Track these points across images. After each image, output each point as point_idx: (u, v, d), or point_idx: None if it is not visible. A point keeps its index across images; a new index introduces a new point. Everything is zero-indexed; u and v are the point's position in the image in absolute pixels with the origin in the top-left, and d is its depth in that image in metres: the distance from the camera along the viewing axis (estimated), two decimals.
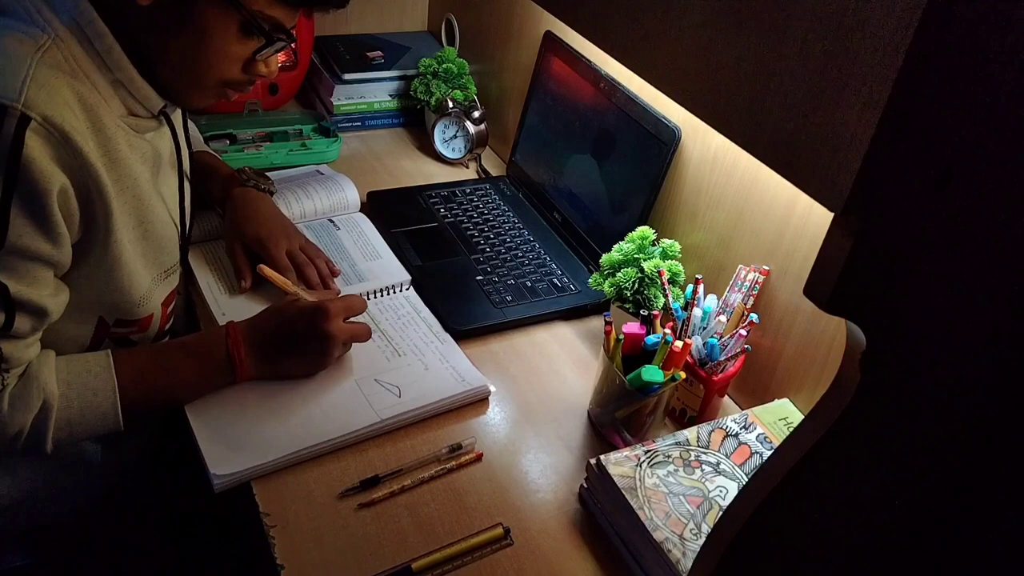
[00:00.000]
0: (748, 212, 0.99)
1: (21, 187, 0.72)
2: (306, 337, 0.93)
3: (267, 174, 1.20)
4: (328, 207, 1.26)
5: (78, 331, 0.88)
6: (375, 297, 1.11)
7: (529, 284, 1.17)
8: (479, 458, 0.91)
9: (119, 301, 0.87)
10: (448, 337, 1.05)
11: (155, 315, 0.94)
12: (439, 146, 1.48)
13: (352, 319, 0.98)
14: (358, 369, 0.99)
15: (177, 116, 0.97)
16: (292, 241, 1.10)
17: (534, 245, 1.26)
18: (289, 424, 0.90)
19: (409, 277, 1.14)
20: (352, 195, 1.28)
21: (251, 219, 1.09)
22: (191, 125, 1.17)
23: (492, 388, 0.99)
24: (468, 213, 1.32)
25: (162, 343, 0.97)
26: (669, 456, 0.86)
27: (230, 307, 1.05)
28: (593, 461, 0.85)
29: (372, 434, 0.91)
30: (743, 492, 0.61)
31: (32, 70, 0.72)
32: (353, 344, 0.99)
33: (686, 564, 0.75)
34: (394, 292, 1.13)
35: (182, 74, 0.83)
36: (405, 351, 1.02)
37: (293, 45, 0.88)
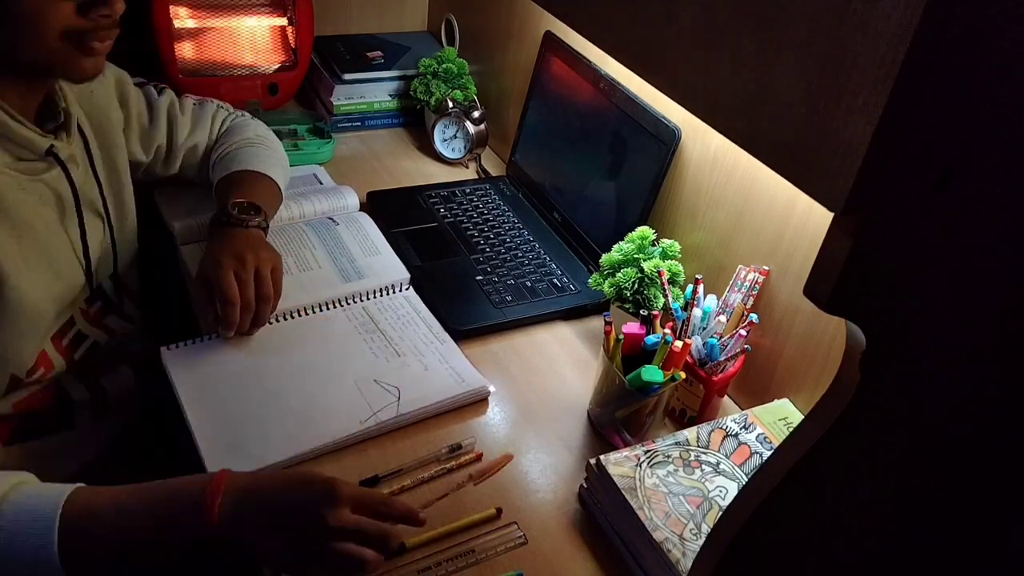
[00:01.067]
0: (748, 212, 0.99)
1: None
2: (300, 520, 0.72)
3: (256, 216, 1.04)
4: (327, 209, 1.26)
5: None
6: (374, 297, 1.11)
7: (529, 284, 1.17)
8: (479, 458, 0.91)
9: (23, 344, 0.88)
10: (448, 337, 1.05)
11: (48, 351, 0.93)
12: (439, 146, 1.48)
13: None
14: (357, 370, 0.99)
15: (75, 157, 0.93)
16: (246, 262, 0.98)
17: (534, 245, 1.26)
18: (288, 426, 0.90)
19: (408, 275, 1.14)
20: (352, 202, 1.29)
21: (241, 261, 0.98)
22: (240, 141, 1.15)
23: (492, 388, 0.99)
24: (468, 213, 1.32)
25: (138, 484, 0.75)
26: (669, 456, 0.86)
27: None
28: (593, 461, 0.85)
29: (372, 435, 0.91)
30: (743, 492, 0.61)
31: None
32: (347, 348, 0.97)
33: (686, 564, 0.75)
34: (394, 292, 1.13)
35: (24, 43, 0.80)
36: (404, 352, 1.02)
37: None
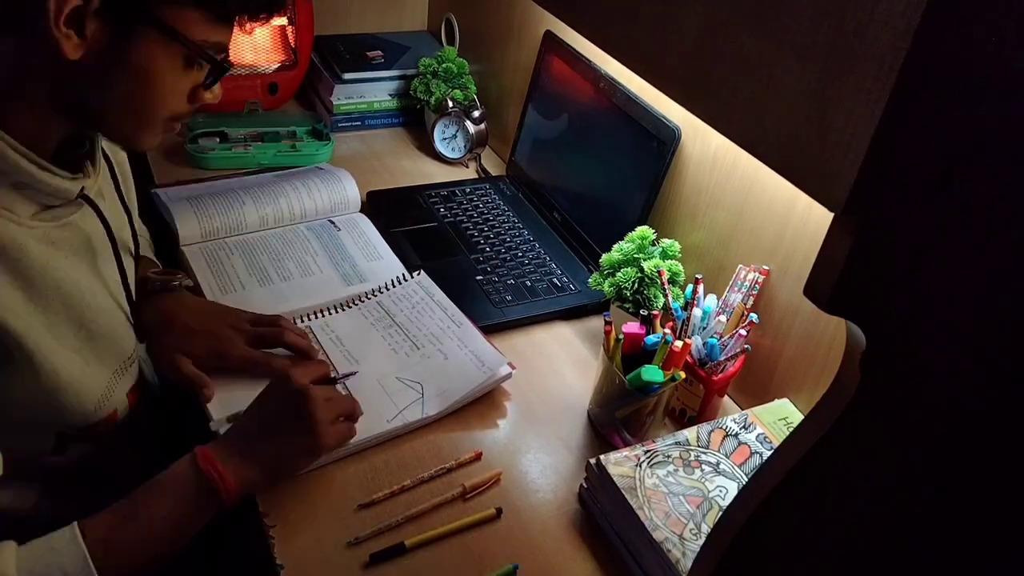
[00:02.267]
0: (748, 212, 0.99)
1: None
2: (279, 409, 0.82)
3: (178, 273, 1.00)
4: (328, 204, 1.26)
5: (34, 446, 0.80)
6: (388, 290, 1.11)
7: (529, 284, 1.17)
8: (478, 457, 0.91)
9: (71, 412, 0.79)
10: (464, 319, 1.06)
11: (119, 408, 0.85)
12: (439, 146, 1.48)
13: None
14: (379, 368, 0.99)
15: (101, 191, 0.86)
16: (241, 326, 0.96)
17: (534, 245, 1.26)
18: None
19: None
20: (352, 190, 1.28)
21: (187, 334, 0.94)
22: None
23: (512, 369, 0.99)
24: (468, 213, 1.32)
25: (132, 493, 0.77)
26: (669, 456, 0.86)
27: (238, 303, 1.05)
28: (593, 461, 0.84)
29: (398, 434, 0.92)
30: (743, 492, 0.61)
31: None
32: (367, 346, 0.96)
33: (686, 564, 0.75)
34: (406, 280, 1.12)
35: (129, 120, 0.77)
36: (423, 343, 1.03)
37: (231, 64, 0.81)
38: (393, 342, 1.03)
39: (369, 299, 1.09)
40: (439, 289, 1.10)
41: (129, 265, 0.90)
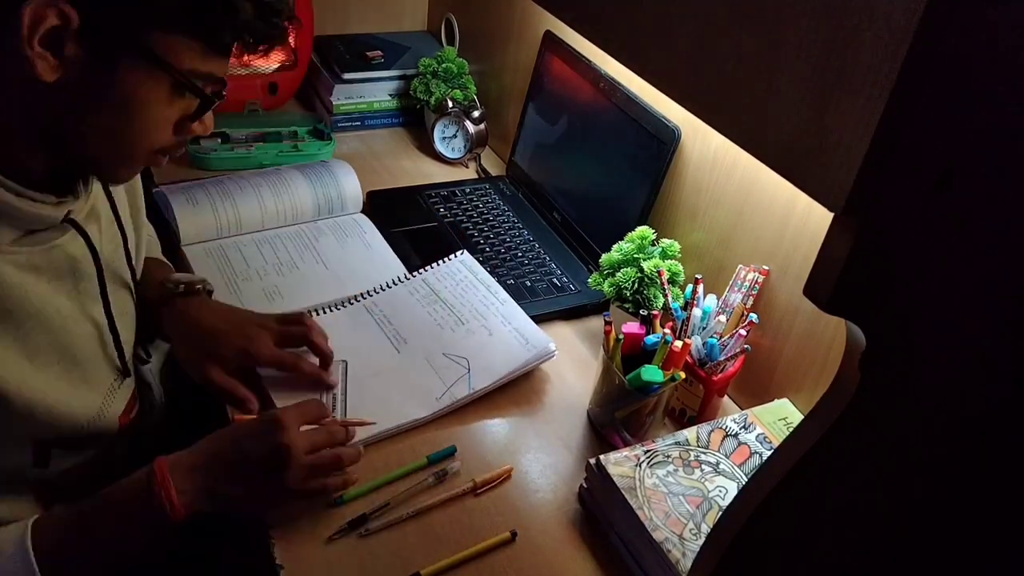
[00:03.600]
0: (748, 212, 0.99)
1: None
2: (257, 457, 0.77)
3: (200, 278, 0.98)
4: (330, 201, 1.25)
5: (10, 462, 0.76)
6: (432, 268, 1.13)
7: (529, 284, 1.17)
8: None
9: (59, 430, 0.76)
10: (507, 297, 1.08)
11: (109, 429, 0.83)
12: (439, 146, 1.48)
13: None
14: (426, 344, 1.01)
15: (96, 210, 0.82)
16: (268, 325, 0.94)
17: (534, 245, 1.26)
18: (369, 405, 0.92)
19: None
20: (353, 185, 1.28)
21: (215, 335, 0.91)
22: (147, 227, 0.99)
23: (554, 347, 1.01)
24: (468, 213, 1.32)
25: (82, 506, 0.76)
26: (669, 456, 0.86)
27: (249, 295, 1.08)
28: (593, 461, 0.84)
29: (446, 412, 0.94)
30: (743, 492, 0.61)
31: None
32: (413, 323, 0.98)
33: (686, 564, 0.75)
34: (449, 260, 1.14)
35: (108, 151, 0.72)
36: (467, 318, 1.05)
37: (225, 91, 0.75)
38: (439, 317, 1.05)
39: (416, 276, 1.12)
40: (482, 268, 1.13)
41: (119, 294, 0.85)
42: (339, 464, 0.82)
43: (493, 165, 1.49)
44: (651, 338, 0.93)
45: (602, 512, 0.84)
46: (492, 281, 1.10)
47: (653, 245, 1.04)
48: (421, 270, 1.13)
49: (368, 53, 1.57)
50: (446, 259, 1.14)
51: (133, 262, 0.88)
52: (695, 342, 0.96)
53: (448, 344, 1.01)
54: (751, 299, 0.96)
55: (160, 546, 0.78)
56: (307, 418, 0.82)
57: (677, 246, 1.04)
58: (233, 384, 0.90)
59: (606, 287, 1.04)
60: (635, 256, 1.03)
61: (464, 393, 0.95)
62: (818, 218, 0.89)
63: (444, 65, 1.49)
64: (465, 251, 1.16)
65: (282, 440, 0.77)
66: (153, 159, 0.75)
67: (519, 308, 1.06)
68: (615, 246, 1.05)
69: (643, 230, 1.04)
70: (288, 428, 0.78)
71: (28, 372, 0.73)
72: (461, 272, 1.12)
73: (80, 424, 0.78)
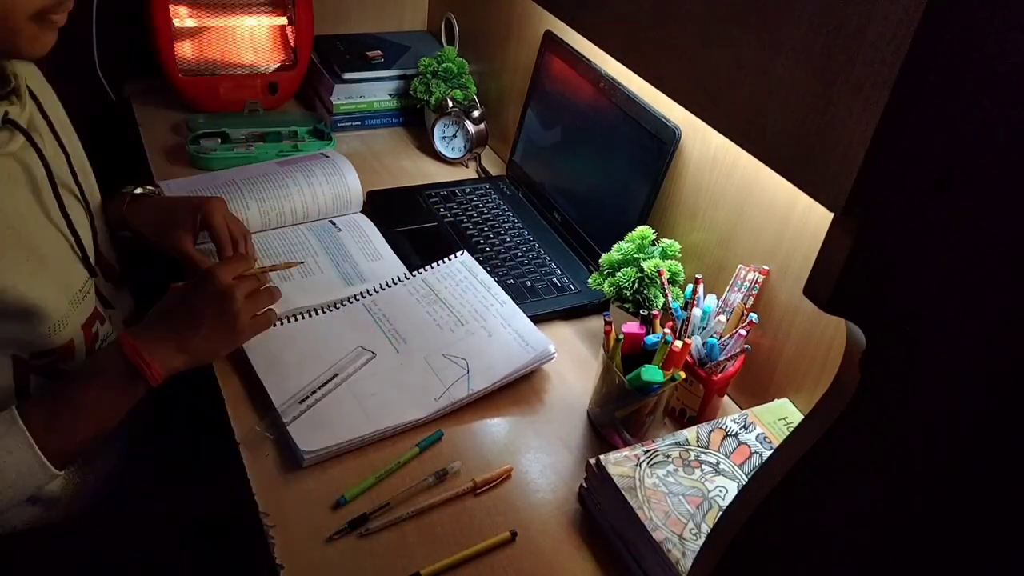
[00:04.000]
0: (748, 212, 0.99)
1: None
2: (204, 306, 0.90)
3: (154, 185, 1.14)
4: (330, 199, 1.26)
5: None
6: (432, 268, 1.13)
7: (529, 284, 1.17)
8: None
9: (27, 335, 0.83)
10: (507, 299, 1.08)
11: (75, 340, 0.89)
12: (439, 146, 1.48)
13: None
14: (425, 344, 1.01)
15: (37, 128, 0.88)
16: (219, 201, 1.06)
17: (534, 245, 1.26)
18: (368, 406, 0.92)
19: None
20: (354, 182, 1.28)
21: (174, 207, 1.05)
22: None
23: (553, 349, 1.01)
24: (468, 213, 1.32)
25: (62, 385, 0.86)
26: (669, 456, 0.86)
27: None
28: (593, 461, 0.84)
29: (445, 413, 0.94)
30: (743, 492, 0.61)
31: None
32: (413, 323, 1.01)
33: (686, 564, 0.75)
34: (448, 261, 1.14)
35: None
36: (467, 319, 1.05)
37: None
38: (438, 318, 1.05)
39: (415, 276, 1.12)
40: (481, 268, 1.13)
41: (71, 201, 0.91)
42: (274, 296, 0.97)
43: (493, 165, 1.49)
44: (651, 338, 0.93)
45: (602, 512, 0.84)
46: (492, 282, 1.10)
47: (653, 245, 1.04)
48: (421, 270, 1.13)
49: (368, 53, 1.57)
50: (446, 259, 1.14)
51: (79, 177, 0.95)
52: (695, 342, 0.96)
53: (447, 345, 1.01)
54: (751, 299, 0.96)
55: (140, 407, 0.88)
56: (237, 271, 0.94)
57: (677, 246, 1.04)
58: (201, 258, 1.02)
59: (606, 287, 1.04)
60: (635, 256, 1.03)
61: (463, 394, 0.95)
62: (818, 218, 0.89)
63: (444, 65, 1.49)
64: (465, 252, 1.16)
65: (220, 286, 0.90)
66: (44, 21, 0.77)
67: (518, 309, 1.06)
68: (615, 246, 1.05)
69: (643, 230, 1.04)
70: (221, 276, 0.91)
71: (2, 267, 0.78)
72: (461, 272, 1.12)
73: (49, 324, 0.84)
